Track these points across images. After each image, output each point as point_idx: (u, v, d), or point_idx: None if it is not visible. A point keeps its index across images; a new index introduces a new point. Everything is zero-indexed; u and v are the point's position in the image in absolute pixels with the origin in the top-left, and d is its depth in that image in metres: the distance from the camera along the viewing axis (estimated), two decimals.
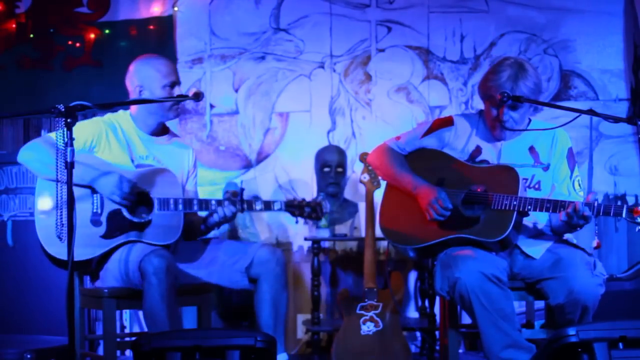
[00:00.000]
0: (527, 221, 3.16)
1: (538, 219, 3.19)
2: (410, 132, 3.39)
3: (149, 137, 3.38)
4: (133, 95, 3.33)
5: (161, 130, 3.44)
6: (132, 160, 3.29)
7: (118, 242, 3.16)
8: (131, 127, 3.36)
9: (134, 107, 3.39)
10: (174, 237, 3.20)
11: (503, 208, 3.04)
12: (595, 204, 2.92)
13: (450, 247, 3.13)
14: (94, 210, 3.18)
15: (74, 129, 3.18)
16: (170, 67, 3.36)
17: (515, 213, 3.03)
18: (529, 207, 3.01)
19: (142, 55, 3.44)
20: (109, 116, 3.37)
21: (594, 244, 3.10)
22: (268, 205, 3.26)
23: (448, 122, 3.31)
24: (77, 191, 3.09)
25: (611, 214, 2.92)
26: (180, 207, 3.19)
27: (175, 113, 3.37)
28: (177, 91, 3.31)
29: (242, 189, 3.23)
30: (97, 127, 3.29)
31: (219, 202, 3.23)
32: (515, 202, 3.02)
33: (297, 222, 3.29)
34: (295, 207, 3.28)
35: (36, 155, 3.15)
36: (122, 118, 3.37)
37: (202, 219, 3.35)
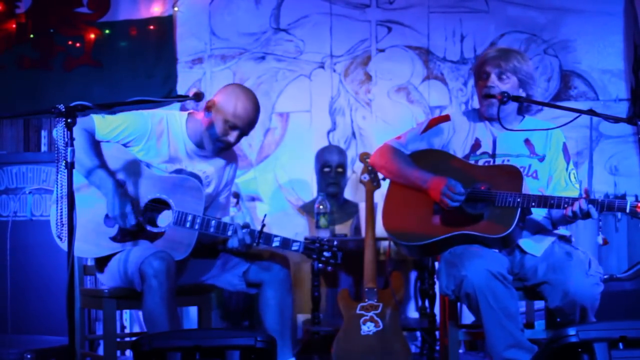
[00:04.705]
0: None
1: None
2: (410, 131, 3.38)
3: (195, 148, 3.25)
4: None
5: None
6: (166, 169, 3.21)
7: (124, 248, 3.13)
8: (181, 132, 3.24)
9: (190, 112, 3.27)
10: (182, 254, 3.11)
11: (507, 205, 3.03)
12: (599, 200, 2.92)
13: (452, 246, 3.12)
14: None
15: (118, 115, 3.15)
16: (243, 110, 3.17)
17: (519, 209, 3.03)
18: (533, 203, 3.01)
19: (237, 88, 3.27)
20: (161, 116, 3.22)
21: (600, 240, 3.09)
22: (286, 244, 3.12)
23: (444, 117, 3.35)
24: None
25: (615, 209, 2.92)
26: (197, 226, 3.08)
27: (216, 151, 3.23)
28: (228, 132, 3.17)
29: (264, 224, 3.10)
30: (144, 127, 3.17)
31: (235, 230, 3.09)
32: (519, 199, 3.02)
33: (311, 263, 3.14)
34: (314, 251, 3.15)
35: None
36: (175, 119, 3.25)
37: (222, 240, 3.22)
